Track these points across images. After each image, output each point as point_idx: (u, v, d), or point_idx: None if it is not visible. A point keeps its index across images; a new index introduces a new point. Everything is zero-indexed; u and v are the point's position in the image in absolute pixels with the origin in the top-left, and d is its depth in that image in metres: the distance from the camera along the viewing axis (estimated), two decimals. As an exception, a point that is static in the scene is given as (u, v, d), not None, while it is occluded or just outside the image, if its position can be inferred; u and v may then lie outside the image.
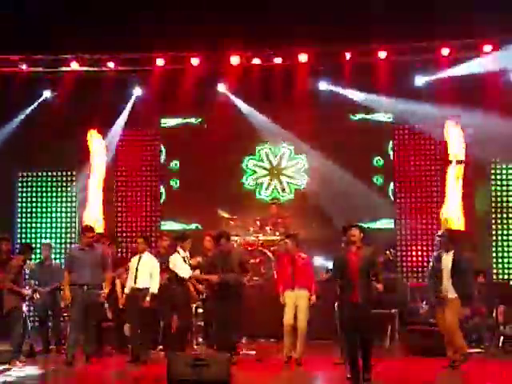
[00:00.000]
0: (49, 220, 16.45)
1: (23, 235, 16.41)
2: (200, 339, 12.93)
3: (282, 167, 16.64)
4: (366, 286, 9.46)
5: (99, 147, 16.41)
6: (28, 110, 15.92)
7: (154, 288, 11.47)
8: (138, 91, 16.24)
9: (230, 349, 10.75)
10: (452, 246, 10.65)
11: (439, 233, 11.06)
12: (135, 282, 11.46)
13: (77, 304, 11.25)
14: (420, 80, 15.51)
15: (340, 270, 9.62)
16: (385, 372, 10.18)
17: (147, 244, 11.92)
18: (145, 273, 11.48)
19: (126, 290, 11.64)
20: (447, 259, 10.52)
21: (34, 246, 12.65)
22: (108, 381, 9.92)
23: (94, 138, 16.34)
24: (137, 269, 11.50)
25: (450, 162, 15.44)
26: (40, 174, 16.56)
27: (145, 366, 10.96)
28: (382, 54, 15.24)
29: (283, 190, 16.53)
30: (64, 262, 11.72)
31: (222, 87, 16.04)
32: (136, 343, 11.42)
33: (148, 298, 11.33)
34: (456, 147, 15.39)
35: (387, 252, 12.64)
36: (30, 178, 16.66)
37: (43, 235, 16.24)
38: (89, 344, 11.34)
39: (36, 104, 15.97)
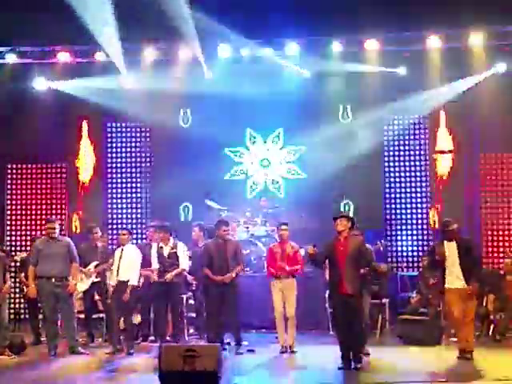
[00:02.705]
0: (38, 212, 16.36)
1: (13, 227, 16.31)
2: (191, 330, 12.95)
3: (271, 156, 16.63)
4: (354, 277, 9.47)
5: (88, 139, 16.37)
6: (16, 100, 15.75)
7: (134, 280, 11.45)
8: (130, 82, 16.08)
9: (221, 339, 10.92)
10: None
11: (452, 226, 10.83)
12: (117, 275, 11.43)
13: (46, 297, 11.27)
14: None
15: (327, 254, 9.68)
16: (375, 361, 10.20)
17: (130, 236, 11.92)
18: (126, 265, 11.45)
19: (111, 283, 11.60)
20: (452, 248, 10.47)
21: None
22: (96, 372, 9.83)
23: (84, 130, 16.27)
24: (119, 261, 11.48)
25: (439, 152, 15.46)
26: (30, 165, 16.46)
27: (131, 357, 10.99)
28: (371, 45, 15.20)
29: (272, 180, 16.52)
30: (30, 256, 11.62)
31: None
32: (119, 335, 11.48)
33: (128, 291, 11.30)
34: (444, 137, 15.42)
35: (378, 242, 12.64)
36: (19, 170, 16.54)
37: (33, 227, 16.17)
38: (70, 336, 11.35)
39: (25, 94, 15.82)
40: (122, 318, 11.51)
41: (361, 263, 9.65)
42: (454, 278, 10.34)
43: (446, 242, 10.51)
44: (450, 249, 10.42)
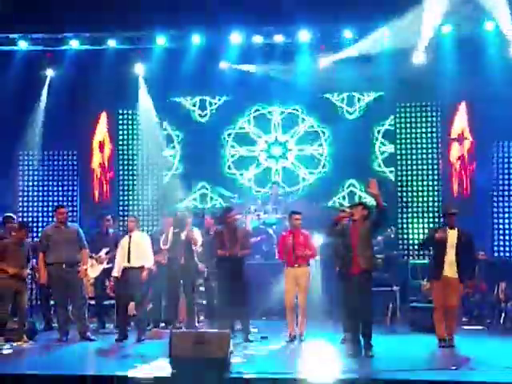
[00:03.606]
0: (50, 199, 16.39)
1: (25, 214, 16.35)
2: (202, 317, 12.97)
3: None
4: (366, 258, 9.46)
5: (102, 126, 16.37)
6: (28, 88, 15.70)
7: (150, 263, 11.51)
8: (140, 70, 16.07)
9: (231, 326, 10.87)
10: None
11: (452, 211, 10.84)
12: (128, 261, 11.42)
13: (56, 283, 11.31)
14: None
15: (340, 235, 9.76)
16: (386, 349, 10.18)
17: (138, 223, 12.00)
18: (137, 251, 11.44)
19: (115, 272, 11.62)
20: (452, 236, 10.44)
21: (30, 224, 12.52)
22: (107, 358, 9.87)
23: (96, 117, 16.29)
24: (129, 248, 11.45)
25: (453, 138, 15.37)
26: (41, 152, 16.42)
27: (142, 343, 11.04)
28: (383, 33, 14.95)
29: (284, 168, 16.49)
30: (39, 243, 11.60)
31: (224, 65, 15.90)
32: (128, 321, 11.54)
33: (145, 274, 11.36)
34: (459, 124, 15.38)
35: (388, 229, 12.63)
36: (31, 157, 16.54)
37: (45, 214, 16.19)
38: (81, 322, 11.37)
39: (36, 82, 15.81)
40: (134, 304, 11.52)
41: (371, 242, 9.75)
42: (448, 266, 10.34)
43: (448, 228, 10.48)
44: (451, 236, 10.40)
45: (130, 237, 11.60)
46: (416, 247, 14.87)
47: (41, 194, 16.44)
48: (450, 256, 10.35)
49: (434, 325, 10.51)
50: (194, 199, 16.51)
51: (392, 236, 12.89)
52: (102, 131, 16.43)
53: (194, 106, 16.72)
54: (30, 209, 16.41)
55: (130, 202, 16.44)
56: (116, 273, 11.54)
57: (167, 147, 16.62)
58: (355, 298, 9.48)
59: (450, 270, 10.34)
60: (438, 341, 10.36)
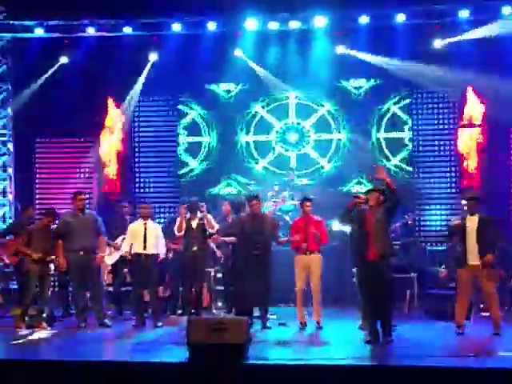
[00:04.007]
0: (66, 186, 16.39)
1: (42, 201, 16.38)
2: (219, 303, 13.02)
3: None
4: (382, 244, 9.44)
5: (117, 113, 16.35)
6: (45, 76, 15.75)
7: (163, 252, 11.67)
8: (154, 57, 16.03)
9: (249, 313, 10.83)
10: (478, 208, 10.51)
11: (470, 195, 10.80)
12: (145, 248, 11.45)
13: (74, 270, 11.36)
14: (438, 43, 15.20)
15: (355, 221, 9.73)
16: (403, 336, 10.14)
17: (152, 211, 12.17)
18: (153, 239, 11.51)
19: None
20: (472, 223, 10.37)
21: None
22: (124, 344, 9.91)
23: (112, 105, 16.26)
24: (145, 235, 11.47)
25: (467, 125, 15.29)
26: (58, 140, 16.46)
27: (159, 329, 11.07)
28: (400, 18, 14.98)
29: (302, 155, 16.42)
30: (57, 230, 11.64)
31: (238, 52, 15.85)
32: (144, 308, 11.60)
33: (162, 256, 11.56)
34: (473, 111, 15.25)
35: (406, 216, 12.58)
36: (47, 145, 16.58)
37: (62, 201, 16.19)
38: (99, 308, 11.42)
39: (53, 70, 15.80)
40: (147, 291, 11.57)
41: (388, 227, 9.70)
42: (470, 253, 10.26)
43: (468, 216, 10.41)
44: (471, 223, 10.33)
45: (145, 224, 11.60)
46: (435, 234, 14.83)
47: (58, 181, 16.46)
48: (472, 243, 10.26)
49: (455, 311, 10.45)
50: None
51: (409, 222, 12.82)
52: (116, 118, 16.39)
53: (209, 93, 16.62)
54: (47, 196, 16.44)
55: (147, 190, 16.47)
56: (127, 253, 11.62)
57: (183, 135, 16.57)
58: (372, 283, 9.43)
59: (472, 257, 10.26)
60: (455, 327, 10.29)
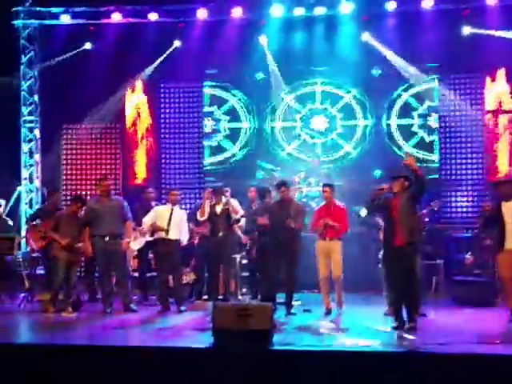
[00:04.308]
0: (93, 172, 16.51)
1: (68, 187, 16.49)
2: (244, 289, 13.06)
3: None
4: (409, 229, 9.39)
5: (142, 100, 16.41)
6: (70, 62, 15.76)
7: (186, 239, 11.72)
8: (179, 43, 16.03)
9: (274, 299, 10.88)
10: None
11: (503, 179, 10.69)
12: (167, 233, 11.50)
13: (100, 255, 11.40)
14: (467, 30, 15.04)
15: (381, 209, 9.70)
16: (430, 322, 10.13)
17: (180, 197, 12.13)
18: (177, 224, 11.54)
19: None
20: (509, 208, 10.23)
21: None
22: (149, 329, 9.93)
23: (136, 91, 16.33)
24: (169, 220, 11.51)
25: (496, 111, 15.19)
26: (84, 126, 16.51)
27: (184, 315, 11.13)
28: (428, 3, 14.85)
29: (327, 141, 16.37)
30: (83, 215, 11.69)
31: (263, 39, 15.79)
32: (166, 293, 11.61)
33: (184, 243, 11.63)
34: (502, 96, 15.17)
35: (432, 203, 12.51)
36: (74, 131, 16.64)
37: (88, 187, 16.32)
38: (124, 294, 11.48)
39: (79, 56, 15.83)
40: (171, 277, 11.61)
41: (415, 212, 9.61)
42: (509, 239, 10.11)
43: (503, 202, 10.29)
44: (507, 209, 10.20)
45: (172, 209, 11.64)
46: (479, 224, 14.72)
47: (84, 167, 16.55)
48: (510, 228, 10.13)
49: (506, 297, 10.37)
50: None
51: (436, 209, 12.74)
52: (142, 105, 16.45)
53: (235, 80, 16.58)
54: (74, 182, 16.54)
55: (172, 176, 16.48)
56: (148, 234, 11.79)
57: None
58: (398, 269, 9.39)
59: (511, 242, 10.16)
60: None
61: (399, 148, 15.77)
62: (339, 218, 11.28)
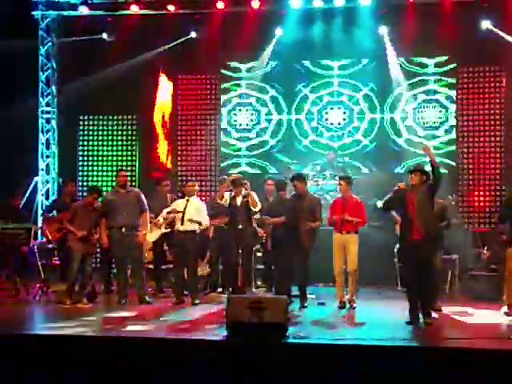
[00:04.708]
0: (109, 163, 16.59)
1: (85, 178, 16.60)
2: (259, 282, 13.08)
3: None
4: (427, 222, 9.36)
5: (159, 91, 16.47)
6: (88, 53, 15.73)
7: (206, 223, 11.60)
8: (197, 34, 16.05)
9: (288, 292, 10.84)
10: None
11: None
12: (182, 224, 11.46)
13: (116, 246, 11.43)
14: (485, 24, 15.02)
15: (397, 203, 9.69)
16: (444, 317, 10.11)
17: (197, 188, 12.05)
18: (192, 216, 11.46)
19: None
20: None
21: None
22: (164, 321, 9.88)
23: (158, 82, 16.44)
24: (184, 211, 11.47)
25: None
26: (100, 117, 16.64)
27: (199, 307, 11.07)
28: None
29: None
30: (100, 207, 11.69)
31: (279, 31, 15.89)
32: (181, 285, 11.56)
33: (202, 227, 11.51)
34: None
35: (449, 197, 12.46)
36: (90, 122, 16.76)
37: (104, 178, 16.39)
38: (139, 285, 11.49)
39: (96, 47, 15.85)
40: (186, 269, 11.59)
41: (432, 205, 9.58)
42: None
43: None
44: None
45: (188, 201, 11.63)
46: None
47: (101, 158, 16.64)
48: None
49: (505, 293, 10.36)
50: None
51: (452, 203, 12.69)
52: (162, 95, 16.52)
53: (249, 71, 16.60)
54: (90, 173, 16.64)
55: (189, 168, 16.53)
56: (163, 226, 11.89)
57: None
58: (414, 263, 9.37)
59: None
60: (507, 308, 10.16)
61: (416, 142, 15.69)
62: (356, 211, 11.22)
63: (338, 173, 14.37)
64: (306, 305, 11.18)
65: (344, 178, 11.52)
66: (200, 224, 11.50)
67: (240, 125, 16.64)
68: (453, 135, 15.85)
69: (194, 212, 11.50)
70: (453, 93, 15.88)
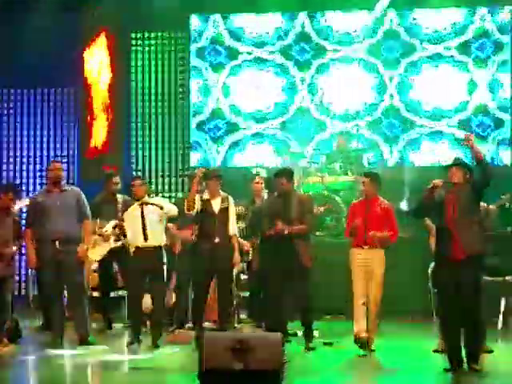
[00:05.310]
0: (39, 153, 16.64)
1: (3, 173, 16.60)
2: (243, 315, 13.12)
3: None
4: (471, 236, 9.36)
5: (105, 55, 16.60)
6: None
7: (175, 210, 11.52)
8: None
9: (284, 328, 10.89)
10: None
11: None
12: (145, 239, 11.32)
13: (47, 267, 11.28)
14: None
15: (432, 207, 9.66)
16: (496, 361, 10.07)
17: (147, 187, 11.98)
18: (156, 224, 11.37)
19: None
20: None
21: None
22: (113, 371, 9.85)
23: (98, 44, 16.54)
24: (143, 221, 11.33)
25: None
26: (31, 91, 16.83)
27: (161, 350, 11.05)
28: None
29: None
30: (26, 213, 11.64)
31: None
32: (139, 320, 11.50)
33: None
34: None
35: (502, 196, 12.50)
36: (18, 97, 16.96)
37: (31, 174, 16.33)
38: (80, 320, 11.35)
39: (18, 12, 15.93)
40: (148, 297, 11.54)
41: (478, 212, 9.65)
42: None
43: None
44: None
45: (142, 205, 11.45)
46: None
47: (26, 146, 16.69)
48: None
49: None
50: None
51: (507, 205, 12.75)
52: (103, 59, 16.70)
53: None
54: (12, 166, 16.67)
55: (147, 160, 16.68)
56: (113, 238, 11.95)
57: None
58: (456, 291, 9.33)
59: None
60: None
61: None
62: (385, 221, 11.07)
63: (351, 166, 14.49)
64: (312, 346, 11.12)
65: (370, 175, 11.40)
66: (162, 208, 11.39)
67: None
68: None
69: (156, 221, 11.37)
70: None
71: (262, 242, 11.81)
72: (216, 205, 11.51)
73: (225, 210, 11.50)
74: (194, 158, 16.92)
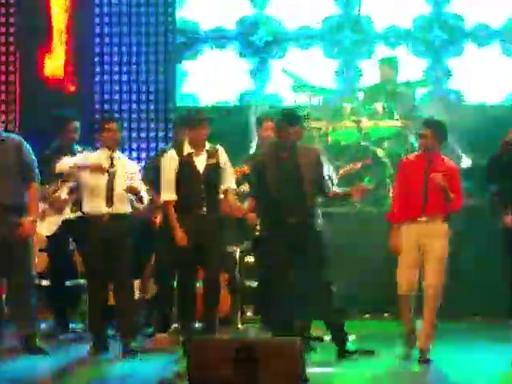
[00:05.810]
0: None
1: None
2: (249, 313, 12.98)
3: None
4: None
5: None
6: None
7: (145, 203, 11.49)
8: None
9: (301, 333, 10.63)
10: None
11: None
12: (110, 204, 11.20)
13: None
14: None
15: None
16: None
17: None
18: (122, 184, 11.24)
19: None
20: None
21: None
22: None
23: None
24: (111, 180, 11.25)
25: None
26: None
27: (136, 360, 10.97)
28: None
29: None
30: None
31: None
32: (104, 319, 11.48)
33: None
34: None
35: None
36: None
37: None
38: (25, 318, 11.15)
39: None
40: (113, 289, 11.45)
41: None
42: None
43: None
44: None
45: (112, 159, 11.23)
46: None
47: None
48: None
49: None
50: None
51: None
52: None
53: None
54: None
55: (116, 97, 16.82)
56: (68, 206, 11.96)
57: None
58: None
59: None
60: None
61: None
62: (450, 184, 10.85)
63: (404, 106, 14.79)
64: (349, 349, 10.87)
65: (431, 125, 11.09)
66: (137, 196, 11.24)
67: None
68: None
69: (124, 176, 11.22)
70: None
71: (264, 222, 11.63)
72: (201, 162, 11.28)
73: (213, 168, 11.29)
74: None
